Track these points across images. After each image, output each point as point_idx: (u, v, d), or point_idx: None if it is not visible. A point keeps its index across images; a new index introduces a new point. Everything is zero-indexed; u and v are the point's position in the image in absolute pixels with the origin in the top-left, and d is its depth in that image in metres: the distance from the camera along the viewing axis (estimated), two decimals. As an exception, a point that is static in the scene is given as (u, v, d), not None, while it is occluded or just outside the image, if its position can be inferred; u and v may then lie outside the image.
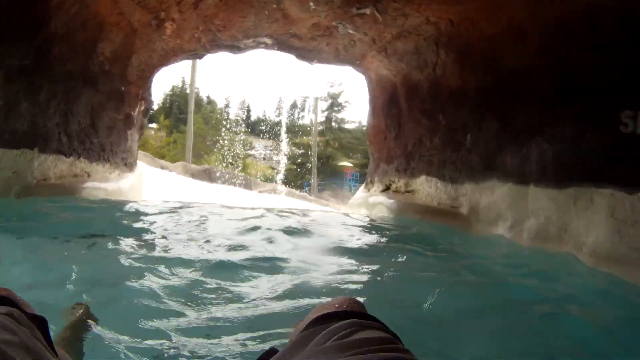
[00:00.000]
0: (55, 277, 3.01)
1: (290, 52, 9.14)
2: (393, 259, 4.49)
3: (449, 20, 6.19)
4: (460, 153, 6.45)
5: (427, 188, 7.30)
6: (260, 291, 3.09)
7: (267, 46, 9.00)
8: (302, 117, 43.15)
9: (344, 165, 33.84)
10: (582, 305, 3.07)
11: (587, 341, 2.51)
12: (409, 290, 3.31)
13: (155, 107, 36.68)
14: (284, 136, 31.53)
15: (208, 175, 17.93)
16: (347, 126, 36.96)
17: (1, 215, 4.72)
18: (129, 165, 8.82)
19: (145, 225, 5.37)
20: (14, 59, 5.43)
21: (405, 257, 4.53)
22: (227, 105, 41.26)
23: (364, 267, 4.08)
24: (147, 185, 10.25)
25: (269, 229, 5.23)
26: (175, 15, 7.28)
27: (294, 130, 35.27)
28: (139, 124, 9.03)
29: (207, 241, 4.50)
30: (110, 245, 4.03)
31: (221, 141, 26.91)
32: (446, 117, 6.83)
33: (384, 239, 5.86)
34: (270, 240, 4.72)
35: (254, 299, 2.93)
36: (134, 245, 4.11)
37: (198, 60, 23.13)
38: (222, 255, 4.02)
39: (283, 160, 30.19)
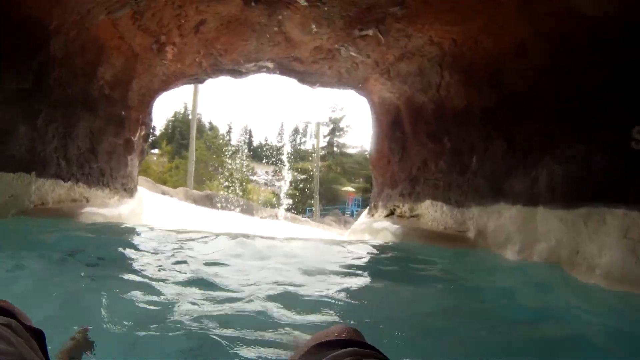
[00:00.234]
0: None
1: (292, 76, 9.09)
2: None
3: (452, 40, 6.13)
4: (466, 176, 6.34)
5: (433, 212, 7.17)
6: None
7: (268, 70, 8.97)
8: (304, 142, 43.43)
9: (347, 190, 33.81)
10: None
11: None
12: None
13: (157, 132, 37.04)
14: (285, 161, 31.56)
15: (210, 201, 17.85)
16: (349, 151, 37.20)
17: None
18: (129, 191, 8.71)
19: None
20: (12, 82, 5.35)
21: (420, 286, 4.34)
22: (229, 131, 41.61)
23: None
24: (147, 210, 10.12)
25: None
26: (176, 39, 7.27)
27: (296, 155, 35.35)
28: (139, 149, 8.97)
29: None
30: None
31: (223, 167, 26.91)
32: (451, 139, 6.74)
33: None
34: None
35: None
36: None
37: (200, 86, 23.45)
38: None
39: (285, 186, 30.11)
